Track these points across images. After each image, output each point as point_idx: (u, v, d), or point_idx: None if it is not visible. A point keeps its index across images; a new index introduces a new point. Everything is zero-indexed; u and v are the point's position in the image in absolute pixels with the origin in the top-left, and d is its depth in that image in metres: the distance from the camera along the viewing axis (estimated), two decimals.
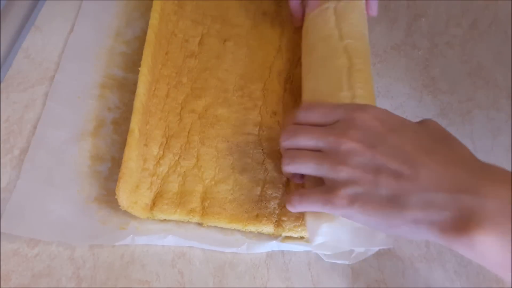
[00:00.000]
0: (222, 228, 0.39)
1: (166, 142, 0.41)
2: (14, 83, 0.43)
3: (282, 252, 0.39)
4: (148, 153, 0.40)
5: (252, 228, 0.38)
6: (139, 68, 0.40)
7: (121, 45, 0.47)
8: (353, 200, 0.30)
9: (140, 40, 0.42)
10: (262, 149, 0.41)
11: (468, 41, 0.53)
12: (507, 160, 0.46)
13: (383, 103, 0.48)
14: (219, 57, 0.46)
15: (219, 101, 0.43)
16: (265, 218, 0.38)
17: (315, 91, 0.39)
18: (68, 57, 0.45)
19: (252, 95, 0.44)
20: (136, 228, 0.38)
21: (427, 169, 0.28)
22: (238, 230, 0.39)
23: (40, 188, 0.38)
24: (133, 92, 0.39)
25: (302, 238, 0.39)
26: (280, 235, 0.39)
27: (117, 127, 0.42)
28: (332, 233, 0.34)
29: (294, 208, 0.34)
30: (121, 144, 0.37)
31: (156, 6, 0.44)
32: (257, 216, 0.38)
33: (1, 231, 0.35)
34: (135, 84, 0.39)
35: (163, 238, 0.38)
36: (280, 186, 0.40)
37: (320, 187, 0.33)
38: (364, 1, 0.43)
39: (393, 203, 0.28)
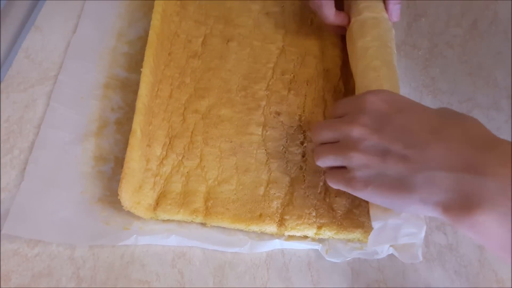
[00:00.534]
0: (225, 228, 0.39)
1: (169, 143, 0.41)
2: (14, 83, 0.43)
3: (282, 252, 0.39)
4: (151, 153, 0.40)
5: (255, 228, 0.39)
6: (141, 69, 0.40)
7: (124, 46, 0.47)
8: (367, 183, 0.31)
9: (143, 41, 0.42)
10: (265, 149, 0.41)
11: (468, 41, 0.53)
12: None
13: None
14: (222, 57, 0.46)
15: (222, 101, 0.43)
16: (268, 218, 0.38)
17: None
18: (71, 57, 0.45)
19: (256, 95, 0.44)
20: (139, 228, 0.38)
21: (431, 148, 0.28)
22: (241, 230, 0.39)
23: (44, 189, 0.38)
24: (136, 92, 0.39)
25: (305, 237, 0.39)
26: (283, 234, 0.39)
27: (120, 127, 0.42)
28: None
29: (331, 184, 0.36)
30: (124, 144, 0.37)
31: (158, 7, 0.44)
32: (260, 216, 0.38)
33: (5, 232, 0.35)
34: (138, 84, 0.40)
35: (166, 238, 0.38)
36: (283, 186, 0.40)
37: (344, 170, 0.34)
38: None
39: (401, 183, 0.29)
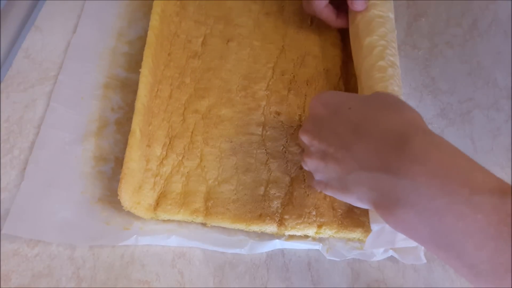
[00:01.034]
0: (225, 228, 0.39)
1: (170, 143, 0.41)
2: (14, 83, 0.43)
3: (282, 252, 0.39)
4: (151, 153, 0.40)
5: (255, 227, 0.39)
6: (140, 70, 0.40)
7: (124, 46, 0.47)
8: (325, 185, 0.33)
9: (143, 40, 0.42)
10: (265, 149, 0.42)
11: (468, 41, 0.53)
12: (507, 160, 0.46)
13: None
14: (222, 57, 0.46)
15: (222, 101, 0.43)
16: (268, 218, 0.38)
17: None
18: (71, 57, 0.45)
19: (256, 95, 0.44)
20: (139, 229, 0.38)
21: (353, 149, 0.29)
22: (242, 230, 0.39)
23: (44, 189, 0.38)
24: (136, 92, 0.39)
25: (306, 236, 0.39)
26: (284, 234, 0.39)
27: (120, 127, 0.42)
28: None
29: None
30: (124, 145, 0.37)
31: (157, 8, 0.44)
32: (260, 215, 0.38)
33: (6, 232, 0.35)
34: (138, 84, 0.40)
35: (167, 239, 0.38)
36: (283, 185, 0.40)
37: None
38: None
39: (342, 185, 0.30)
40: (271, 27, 0.49)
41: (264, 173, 0.40)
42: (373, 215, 0.36)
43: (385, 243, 0.35)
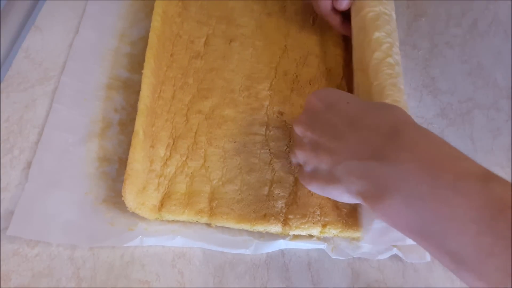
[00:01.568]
0: (230, 228, 0.39)
1: (173, 143, 0.41)
2: (14, 83, 0.43)
3: (282, 252, 0.39)
4: (155, 154, 0.40)
5: (260, 228, 0.39)
6: (142, 71, 0.40)
7: (127, 46, 0.47)
8: (312, 178, 0.32)
9: (145, 41, 0.42)
10: (269, 149, 0.42)
11: (468, 41, 0.54)
12: (507, 160, 0.46)
13: None
14: (225, 57, 0.46)
15: (225, 102, 0.43)
16: (272, 218, 0.38)
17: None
18: (74, 58, 0.45)
19: (259, 95, 0.44)
20: (144, 229, 0.38)
21: (346, 139, 0.29)
22: (246, 230, 0.39)
23: (48, 190, 0.38)
24: (139, 93, 0.39)
25: (310, 236, 0.40)
26: (288, 234, 0.39)
27: (124, 128, 0.42)
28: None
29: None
30: (128, 145, 0.37)
31: (158, 9, 0.44)
32: (264, 215, 0.39)
33: (10, 234, 0.35)
34: (141, 85, 0.40)
35: (172, 239, 0.38)
36: (287, 185, 0.40)
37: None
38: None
39: (331, 176, 0.30)
40: (273, 27, 0.49)
41: (268, 173, 0.40)
42: (366, 211, 0.36)
43: (385, 241, 0.35)
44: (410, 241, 0.34)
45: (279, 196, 0.39)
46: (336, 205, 0.39)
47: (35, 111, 0.42)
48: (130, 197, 0.36)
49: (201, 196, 0.39)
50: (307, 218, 0.38)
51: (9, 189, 0.38)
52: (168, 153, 0.40)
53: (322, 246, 0.39)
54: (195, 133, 0.41)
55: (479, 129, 0.48)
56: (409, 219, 0.25)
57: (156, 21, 0.43)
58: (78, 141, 0.41)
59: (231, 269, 0.38)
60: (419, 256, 0.38)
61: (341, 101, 0.32)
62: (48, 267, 0.36)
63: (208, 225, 0.39)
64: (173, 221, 0.39)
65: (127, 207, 0.36)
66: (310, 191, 0.40)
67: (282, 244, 0.39)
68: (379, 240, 0.35)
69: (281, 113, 0.44)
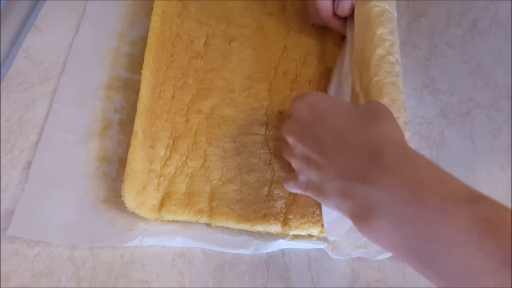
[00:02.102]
0: (230, 228, 0.39)
1: (173, 143, 0.41)
2: (14, 83, 0.43)
3: (282, 252, 0.39)
4: (155, 154, 0.40)
5: (259, 228, 0.39)
6: (141, 71, 0.40)
7: (126, 46, 0.47)
8: (306, 187, 0.33)
9: (145, 41, 0.42)
10: (268, 149, 0.42)
11: (468, 41, 0.54)
12: (507, 160, 0.46)
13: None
14: (225, 57, 0.46)
15: (225, 102, 0.43)
16: (272, 218, 0.38)
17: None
18: (74, 58, 0.45)
19: (258, 95, 0.44)
20: (144, 229, 0.38)
21: (333, 158, 0.29)
22: (246, 230, 0.39)
23: (48, 190, 0.38)
24: (139, 93, 0.39)
25: (310, 236, 0.40)
26: (288, 234, 0.39)
27: (124, 128, 0.42)
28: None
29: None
30: (128, 145, 0.37)
31: (157, 9, 0.44)
32: (264, 215, 0.39)
33: (10, 234, 0.35)
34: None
35: (172, 239, 0.38)
36: None
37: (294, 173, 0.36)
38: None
39: (321, 190, 0.31)
40: (273, 27, 0.49)
41: (268, 173, 0.40)
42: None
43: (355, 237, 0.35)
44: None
45: (279, 196, 0.39)
46: None
47: (35, 111, 0.42)
48: (129, 197, 0.36)
49: (201, 196, 0.39)
50: (306, 218, 0.38)
51: (9, 189, 0.38)
52: (168, 153, 0.40)
53: (322, 246, 0.39)
54: (195, 133, 0.41)
55: (479, 129, 0.48)
56: (397, 241, 0.25)
57: (155, 22, 0.43)
58: (78, 141, 0.41)
59: (231, 269, 0.38)
60: None
61: (328, 113, 0.32)
62: (48, 267, 0.36)
63: (208, 225, 0.39)
64: (173, 221, 0.39)
65: (126, 207, 0.36)
66: None
67: (282, 244, 0.39)
68: (341, 232, 0.35)
69: (281, 113, 0.44)
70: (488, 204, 0.23)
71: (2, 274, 0.35)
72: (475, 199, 0.24)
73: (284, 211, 0.39)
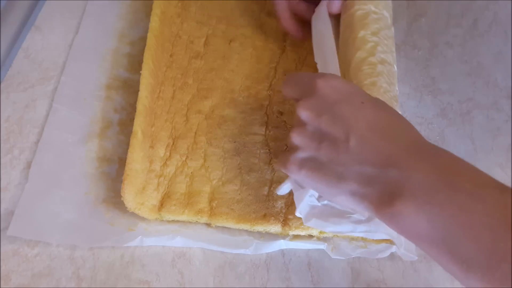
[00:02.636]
0: (230, 228, 0.39)
1: (173, 143, 0.41)
2: (14, 83, 0.43)
3: (282, 252, 0.39)
4: (154, 154, 0.40)
5: (260, 228, 0.39)
6: (141, 72, 0.40)
7: (126, 46, 0.47)
8: (301, 166, 0.31)
9: (145, 41, 0.42)
10: (269, 149, 0.42)
11: (468, 41, 0.54)
12: (507, 160, 0.46)
13: None
14: (225, 57, 0.46)
15: (225, 102, 0.43)
16: (272, 218, 0.38)
17: None
18: (73, 58, 0.45)
19: (258, 95, 0.44)
20: (144, 229, 0.38)
21: (362, 141, 0.29)
22: (246, 230, 0.39)
23: (48, 190, 0.38)
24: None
25: (310, 236, 0.40)
26: (288, 234, 0.39)
27: (124, 128, 0.42)
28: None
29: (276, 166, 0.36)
30: (128, 145, 0.38)
31: (156, 9, 0.44)
32: (264, 215, 0.39)
33: (10, 234, 0.35)
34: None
35: (172, 239, 0.38)
36: None
37: (286, 152, 0.34)
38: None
39: (332, 172, 0.29)
40: (273, 27, 0.49)
41: (268, 173, 0.40)
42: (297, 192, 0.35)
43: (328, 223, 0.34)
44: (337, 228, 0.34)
45: (279, 196, 0.39)
46: None
47: (35, 111, 0.42)
48: (129, 197, 0.36)
49: (201, 196, 0.39)
50: None
51: (9, 189, 0.38)
52: (167, 153, 0.40)
53: (322, 246, 0.39)
54: (195, 133, 0.41)
55: (479, 129, 0.48)
56: (422, 225, 0.25)
57: (154, 22, 0.43)
58: (78, 141, 0.41)
59: (231, 269, 0.38)
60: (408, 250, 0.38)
61: (355, 97, 0.31)
62: (48, 267, 0.36)
63: (208, 225, 0.39)
64: (173, 221, 0.39)
65: (126, 207, 0.36)
66: None
67: (282, 244, 0.39)
68: (312, 216, 0.34)
69: (281, 113, 0.44)
70: None
71: (2, 274, 0.35)
72: (505, 189, 0.25)
73: (284, 211, 0.39)
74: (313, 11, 0.44)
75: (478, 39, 0.54)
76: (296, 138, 0.32)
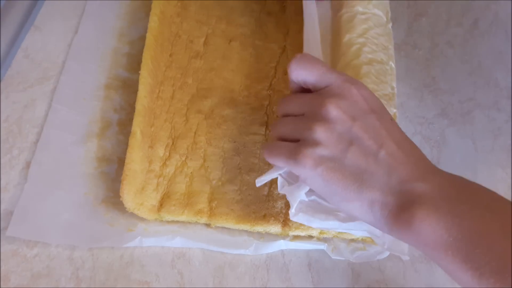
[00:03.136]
0: (229, 229, 0.39)
1: (172, 143, 0.41)
2: (14, 83, 0.43)
3: (282, 252, 0.39)
4: (154, 154, 0.40)
5: (259, 228, 0.39)
6: (139, 72, 0.40)
7: (126, 46, 0.47)
8: (318, 163, 0.29)
9: (145, 41, 0.42)
10: None
11: (469, 40, 0.53)
12: (507, 160, 0.46)
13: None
14: (225, 57, 0.46)
15: (225, 101, 0.43)
16: (272, 218, 0.38)
17: None
18: (73, 58, 0.45)
19: (258, 95, 0.44)
20: (144, 230, 0.38)
21: (392, 155, 0.30)
22: (246, 231, 0.39)
23: (47, 190, 0.38)
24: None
25: (310, 237, 0.39)
26: (288, 234, 0.39)
27: (123, 128, 0.42)
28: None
29: (266, 157, 0.34)
30: (127, 145, 0.37)
31: (155, 9, 0.44)
32: (264, 216, 0.38)
33: (9, 235, 0.35)
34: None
35: (171, 240, 0.38)
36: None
37: (292, 143, 0.32)
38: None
39: (355, 177, 0.29)
40: (273, 26, 0.49)
41: None
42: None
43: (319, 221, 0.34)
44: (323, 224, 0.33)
45: (279, 196, 0.39)
46: None
47: (34, 111, 0.42)
48: (128, 198, 0.36)
49: (201, 196, 0.39)
50: None
51: (8, 189, 0.38)
52: (167, 153, 0.40)
53: (322, 246, 0.39)
54: (195, 133, 0.41)
55: (480, 129, 0.48)
56: (439, 234, 0.26)
57: (153, 22, 0.43)
58: (77, 141, 0.41)
59: (231, 269, 0.38)
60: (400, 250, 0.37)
61: (385, 114, 0.32)
62: (47, 267, 0.36)
63: (208, 225, 0.39)
64: (173, 222, 0.39)
65: (125, 208, 0.36)
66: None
67: (282, 245, 0.39)
68: (299, 210, 0.33)
69: None
70: None
71: (2, 274, 0.35)
72: None
73: (284, 211, 0.39)
74: None
75: (479, 39, 0.54)
76: (321, 133, 0.30)
